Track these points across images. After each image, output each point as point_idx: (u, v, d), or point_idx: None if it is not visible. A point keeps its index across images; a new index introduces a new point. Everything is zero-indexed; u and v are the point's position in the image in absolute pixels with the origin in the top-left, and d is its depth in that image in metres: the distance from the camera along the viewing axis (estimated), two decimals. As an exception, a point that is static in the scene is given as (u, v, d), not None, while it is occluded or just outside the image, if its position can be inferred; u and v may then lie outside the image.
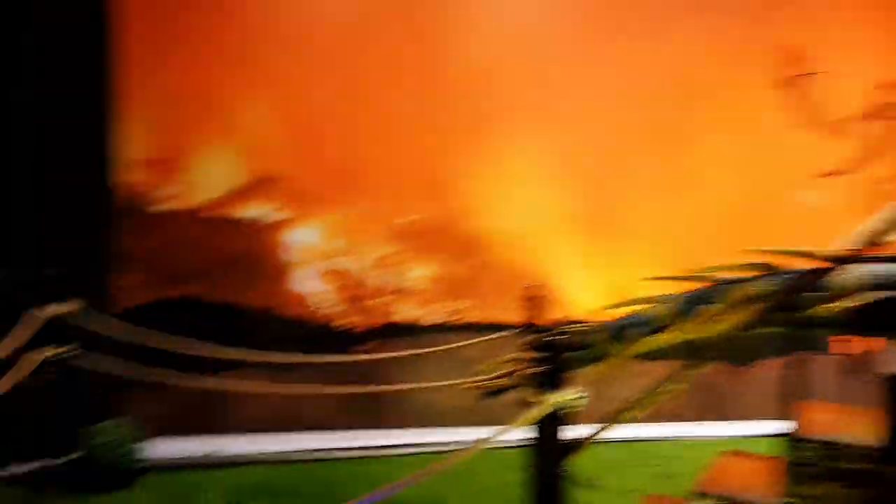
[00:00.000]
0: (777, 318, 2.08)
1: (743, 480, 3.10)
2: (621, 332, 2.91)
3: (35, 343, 4.35)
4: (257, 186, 5.64)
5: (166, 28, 5.57)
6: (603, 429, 3.11)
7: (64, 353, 4.56)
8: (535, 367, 2.77)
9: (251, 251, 5.72)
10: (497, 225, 6.05)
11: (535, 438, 3.02)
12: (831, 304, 1.96)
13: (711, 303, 2.29)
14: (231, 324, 5.59)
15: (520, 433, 3.03)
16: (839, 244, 1.69)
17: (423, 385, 5.12)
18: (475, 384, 3.57)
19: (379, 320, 5.83)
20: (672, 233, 6.14)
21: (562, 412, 2.70)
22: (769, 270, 2.09)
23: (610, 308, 3.12)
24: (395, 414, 5.74)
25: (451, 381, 4.69)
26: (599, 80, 6.12)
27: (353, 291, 5.73)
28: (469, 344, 5.09)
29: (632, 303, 2.92)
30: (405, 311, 5.88)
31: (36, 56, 5.11)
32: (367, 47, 5.87)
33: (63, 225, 5.03)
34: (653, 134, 6.31)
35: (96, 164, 5.11)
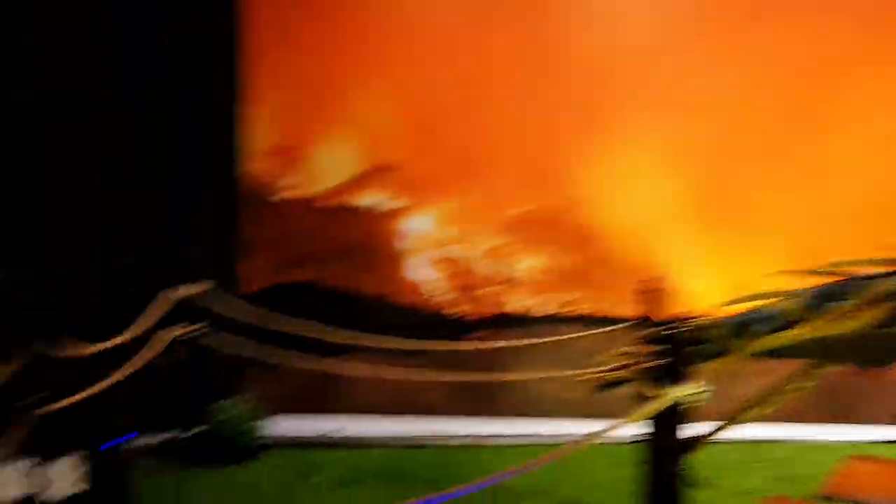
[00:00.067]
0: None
1: (871, 485, 2.94)
2: (744, 327, 2.81)
3: (166, 322, 4.62)
4: (374, 175, 5.76)
5: (291, 19, 5.76)
6: (722, 427, 3.01)
7: (193, 332, 4.81)
8: (652, 361, 2.70)
9: (367, 239, 5.85)
10: (612, 216, 5.93)
11: (650, 434, 2.96)
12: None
13: (844, 299, 2.17)
14: (347, 309, 5.74)
15: (634, 428, 2.98)
16: None
17: (536, 375, 5.11)
18: (589, 376, 3.52)
19: (490, 310, 5.84)
20: (799, 225, 5.87)
21: (680, 408, 2.63)
22: (910, 266, 1.97)
23: (732, 303, 3.02)
24: (506, 403, 5.75)
25: (564, 373, 4.65)
26: (720, 68, 5.90)
27: (465, 280, 5.76)
28: (582, 336, 5.04)
29: (755, 298, 2.82)
30: (516, 302, 5.87)
31: (171, 49, 5.37)
32: (486, 36, 5.88)
33: (194, 212, 5.30)
34: (779, 123, 6.04)
35: (225, 155, 5.36)
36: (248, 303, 5.19)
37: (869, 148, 5.92)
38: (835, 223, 5.78)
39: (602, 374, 3.23)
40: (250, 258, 5.57)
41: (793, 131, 5.98)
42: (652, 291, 3.32)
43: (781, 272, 2.27)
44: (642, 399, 2.85)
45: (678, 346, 2.62)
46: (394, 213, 5.70)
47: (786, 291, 2.37)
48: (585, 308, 5.93)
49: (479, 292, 5.77)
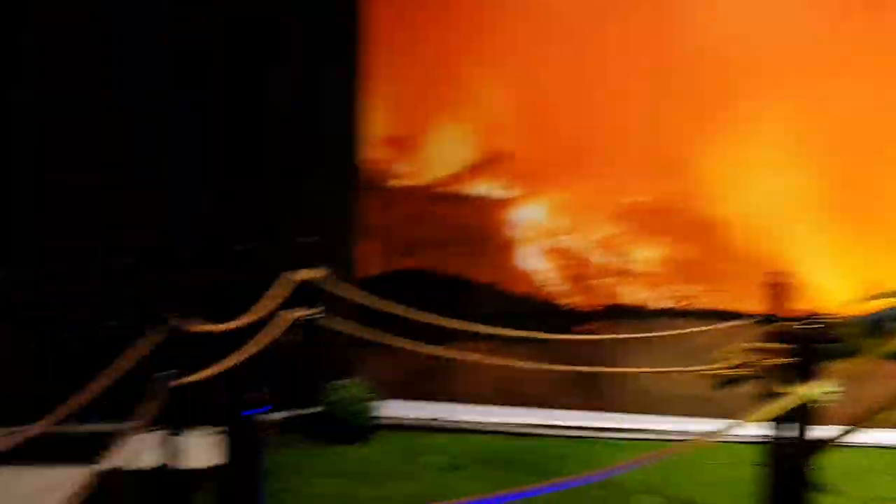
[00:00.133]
0: None
1: None
2: (878, 326, 2.68)
3: (287, 304, 4.81)
4: (488, 163, 5.76)
5: (409, 7, 5.83)
6: (850, 431, 2.88)
7: (312, 314, 4.99)
8: (778, 358, 2.61)
9: (479, 227, 5.87)
10: (734, 206, 5.71)
11: (773, 435, 2.85)
12: None
13: None
14: (458, 297, 5.80)
15: (754, 428, 2.88)
16: None
17: (649, 370, 5.02)
18: (708, 372, 3.43)
19: (603, 301, 5.75)
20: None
21: (808, 408, 2.52)
22: None
23: (865, 300, 2.87)
24: (617, 397, 5.67)
25: (680, 368, 4.55)
26: (853, 55, 5.57)
27: (578, 271, 5.69)
28: (700, 331, 4.91)
29: (889, 296, 2.69)
30: (631, 293, 5.75)
31: (293, 40, 5.53)
32: (601, 22, 5.76)
33: (315, 199, 5.47)
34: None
35: (344, 142, 5.50)
36: (362, 288, 5.34)
37: None
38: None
39: (722, 371, 3.14)
40: (366, 245, 5.71)
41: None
42: (777, 286, 3.20)
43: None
44: (765, 398, 2.75)
45: (808, 344, 2.51)
46: (506, 202, 5.68)
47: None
48: (703, 302, 5.74)
49: (592, 283, 5.69)
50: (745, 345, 3.12)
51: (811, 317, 2.68)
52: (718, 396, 4.79)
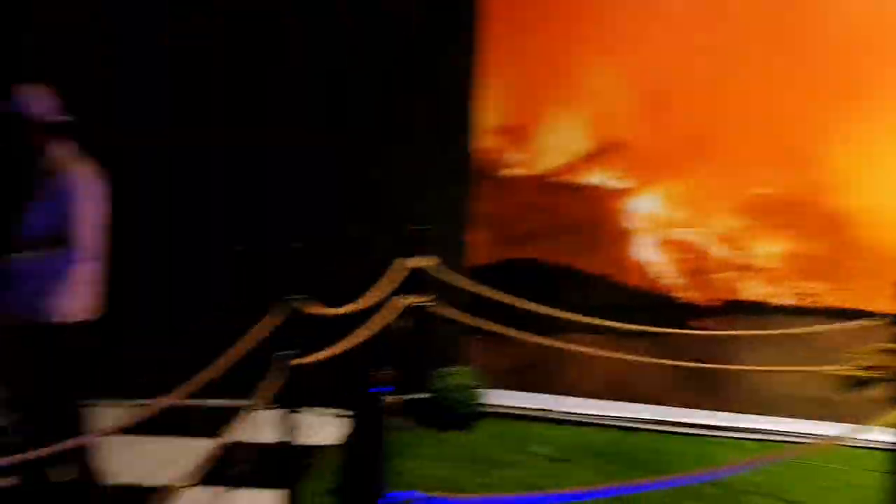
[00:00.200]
0: None
1: None
2: None
3: (399, 290, 4.90)
4: (602, 153, 5.66)
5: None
6: None
7: (423, 301, 5.07)
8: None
9: (592, 217, 5.77)
10: (864, 201, 5.40)
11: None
12: None
13: None
14: (568, 287, 5.74)
15: (879, 433, 2.73)
16: None
17: (770, 369, 4.84)
18: (835, 373, 3.28)
19: (722, 296, 5.57)
20: None
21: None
22: None
23: None
24: (731, 395, 5.49)
25: (803, 368, 4.36)
26: None
27: (696, 264, 5.52)
28: (825, 329, 4.69)
29: None
30: (751, 289, 5.54)
31: (417, 31, 5.58)
32: (725, 5, 5.55)
33: (428, 187, 5.53)
34: None
35: (458, 131, 5.53)
36: (472, 277, 5.38)
37: None
38: None
39: (851, 372, 2.99)
40: (477, 233, 5.73)
41: None
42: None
43: None
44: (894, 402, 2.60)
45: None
46: (621, 192, 5.57)
47: None
48: (829, 300, 5.46)
49: (711, 277, 5.51)
50: (878, 346, 2.95)
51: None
52: (838, 399, 4.58)
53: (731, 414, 5.47)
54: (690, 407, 5.55)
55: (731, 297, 5.62)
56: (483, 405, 5.35)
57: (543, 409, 5.55)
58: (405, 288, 4.94)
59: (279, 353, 3.65)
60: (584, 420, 5.49)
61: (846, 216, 5.39)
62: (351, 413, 2.45)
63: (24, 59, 6.26)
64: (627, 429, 5.44)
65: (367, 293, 4.67)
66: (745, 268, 5.59)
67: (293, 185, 5.54)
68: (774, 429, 5.33)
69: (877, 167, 5.35)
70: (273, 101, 5.65)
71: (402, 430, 4.95)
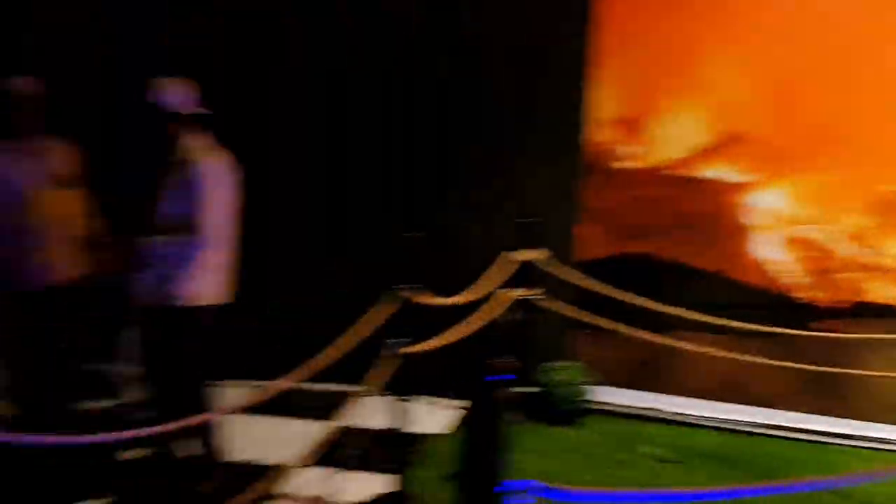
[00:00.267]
0: None
1: None
2: None
3: (507, 283, 4.90)
4: (722, 146, 5.47)
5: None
6: None
7: (531, 294, 5.05)
8: None
9: (709, 212, 5.58)
10: None
11: None
12: None
13: None
14: (681, 284, 5.58)
15: None
16: None
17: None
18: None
19: (846, 297, 5.28)
20: None
21: None
22: None
23: None
24: (853, 401, 5.21)
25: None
26: None
27: (820, 263, 5.26)
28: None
29: None
30: (880, 290, 5.24)
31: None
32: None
33: (539, 179, 5.50)
34: None
35: (571, 122, 5.46)
36: (582, 271, 5.31)
37: None
38: None
39: None
40: (587, 227, 5.65)
41: None
42: None
43: None
44: None
45: None
46: (742, 187, 5.37)
47: None
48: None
49: (835, 277, 5.24)
50: None
51: None
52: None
53: (853, 421, 5.20)
54: (809, 412, 5.30)
55: (855, 298, 5.31)
56: (590, 402, 5.28)
57: (652, 409, 5.42)
58: (514, 281, 4.94)
59: (390, 341, 3.72)
60: (694, 421, 5.34)
61: None
62: (465, 401, 2.47)
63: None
64: (741, 432, 5.25)
65: (476, 285, 4.69)
66: (873, 268, 5.28)
67: (406, 177, 5.62)
68: (898, 438, 5.04)
69: None
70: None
71: (512, 422, 4.96)
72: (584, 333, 5.48)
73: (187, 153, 3.66)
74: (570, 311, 5.18)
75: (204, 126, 3.76)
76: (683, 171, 5.61)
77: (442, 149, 5.57)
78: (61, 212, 4.02)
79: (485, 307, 4.53)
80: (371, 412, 4.00)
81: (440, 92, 5.59)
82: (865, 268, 5.28)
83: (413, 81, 5.63)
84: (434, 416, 5.12)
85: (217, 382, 3.94)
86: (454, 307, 4.41)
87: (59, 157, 4.08)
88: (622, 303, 4.99)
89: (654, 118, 5.63)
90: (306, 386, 5.36)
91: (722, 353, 4.94)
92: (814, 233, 5.38)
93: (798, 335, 4.94)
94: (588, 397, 5.26)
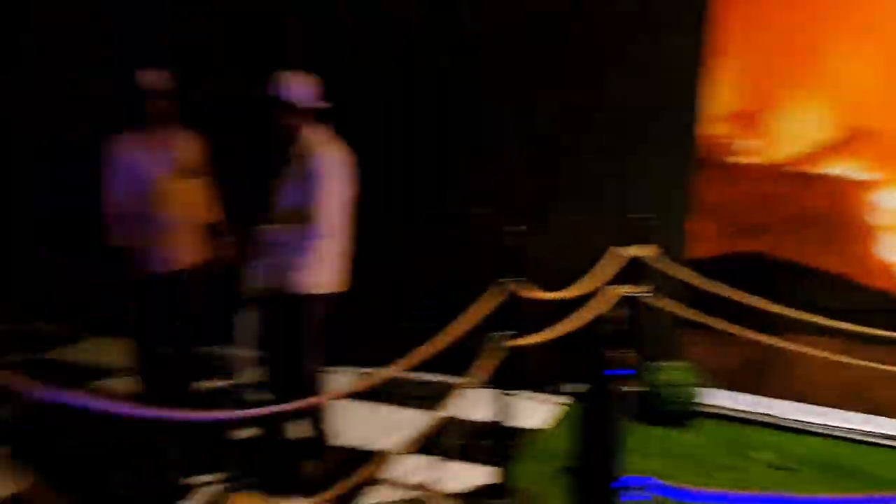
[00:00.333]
0: None
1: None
2: None
3: (615, 279, 4.82)
4: (846, 142, 5.20)
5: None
6: None
7: (640, 291, 4.95)
8: None
9: (831, 211, 5.31)
10: None
11: None
12: None
13: None
14: (798, 286, 5.34)
15: None
16: None
17: None
18: None
19: None
20: None
21: None
22: None
23: None
24: None
25: None
26: None
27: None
28: None
29: None
30: None
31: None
32: None
33: (650, 174, 5.38)
34: None
35: (685, 115, 5.30)
36: (693, 268, 5.16)
37: None
38: None
39: None
40: (700, 223, 5.49)
41: None
42: None
43: None
44: None
45: None
46: (868, 185, 5.09)
47: None
48: None
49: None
50: None
51: None
52: None
53: None
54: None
55: None
56: (699, 404, 5.13)
57: (764, 414, 5.23)
58: (622, 277, 4.85)
59: (495, 334, 3.73)
60: (809, 429, 5.12)
61: None
62: (567, 397, 2.45)
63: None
64: (860, 442, 5.00)
65: (583, 280, 4.64)
66: None
67: (516, 170, 5.61)
68: None
69: None
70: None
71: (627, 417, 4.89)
72: (692, 333, 5.33)
73: (306, 145, 3.77)
74: (680, 310, 5.05)
75: (323, 119, 3.87)
76: (805, 168, 5.35)
77: (555, 144, 5.52)
78: (186, 200, 4.22)
79: (591, 303, 4.47)
80: (474, 404, 4.02)
81: (559, 89, 5.55)
82: None
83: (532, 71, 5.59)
84: (535, 411, 5.11)
85: (328, 368, 4.06)
86: (560, 302, 4.37)
87: (186, 147, 4.29)
88: (733, 302, 4.82)
89: (774, 112, 5.40)
90: (412, 375, 5.49)
91: (842, 359, 4.71)
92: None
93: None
94: (697, 399, 5.12)
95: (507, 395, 3.89)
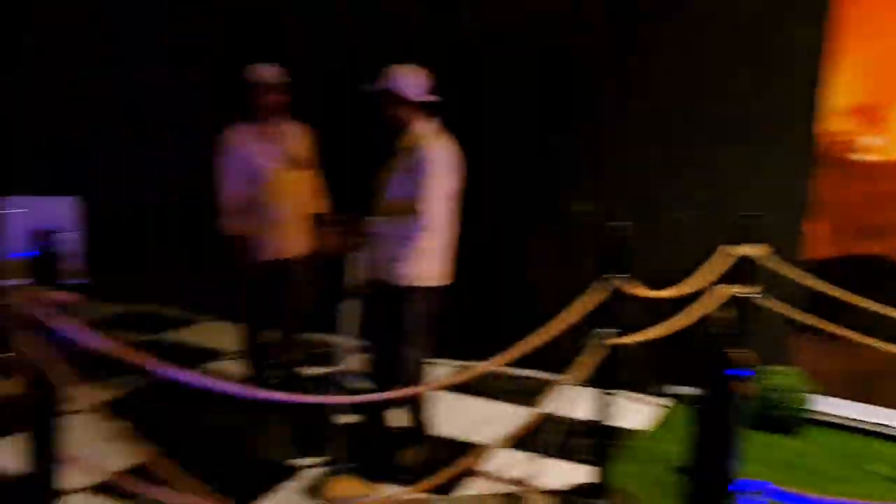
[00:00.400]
0: None
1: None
2: None
3: (724, 278, 4.67)
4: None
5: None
6: None
7: (749, 292, 4.77)
8: None
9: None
10: None
11: None
12: None
13: None
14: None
15: None
16: None
17: None
18: None
19: None
20: None
21: None
22: None
23: None
24: None
25: None
26: None
27: None
28: None
29: None
30: None
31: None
32: None
33: (764, 171, 5.18)
34: None
35: (803, 111, 5.07)
36: (808, 270, 4.94)
37: None
38: None
39: None
40: (816, 223, 5.24)
41: None
42: None
43: None
44: None
45: None
46: None
47: None
48: None
49: None
50: None
51: None
52: None
53: None
54: None
55: None
56: (808, 411, 4.92)
57: (882, 425, 4.96)
58: (732, 276, 4.70)
59: (598, 331, 3.68)
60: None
61: None
62: (692, 396, 2.40)
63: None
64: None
65: (691, 279, 4.52)
66: None
67: (626, 167, 5.52)
68: None
69: None
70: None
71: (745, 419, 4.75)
72: (804, 337, 5.11)
73: (415, 139, 3.81)
74: (793, 313, 4.84)
75: (434, 113, 3.90)
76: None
77: (666, 138, 5.38)
78: (295, 191, 4.36)
79: (698, 302, 4.35)
80: (573, 402, 3.99)
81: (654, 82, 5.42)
82: None
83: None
84: (635, 412, 5.02)
85: (429, 360, 4.10)
86: (665, 300, 4.27)
87: (296, 139, 4.42)
88: (848, 306, 4.59)
89: (900, 107, 5.10)
90: (511, 370, 5.49)
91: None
92: None
93: None
94: (808, 406, 4.90)
95: (607, 394, 3.82)
